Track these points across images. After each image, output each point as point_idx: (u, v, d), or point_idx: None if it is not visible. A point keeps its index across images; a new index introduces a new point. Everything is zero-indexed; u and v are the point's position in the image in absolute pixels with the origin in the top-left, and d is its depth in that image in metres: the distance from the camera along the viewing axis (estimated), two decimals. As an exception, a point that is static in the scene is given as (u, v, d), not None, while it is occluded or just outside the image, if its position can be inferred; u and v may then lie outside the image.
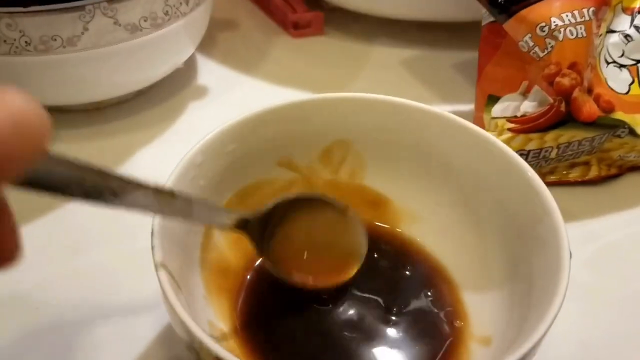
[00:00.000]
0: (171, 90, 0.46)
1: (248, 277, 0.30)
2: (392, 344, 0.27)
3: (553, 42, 0.34)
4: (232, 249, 0.30)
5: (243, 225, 0.27)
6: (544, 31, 0.35)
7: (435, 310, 0.29)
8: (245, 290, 0.29)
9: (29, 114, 0.14)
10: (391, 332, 0.28)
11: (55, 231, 0.34)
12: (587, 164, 0.38)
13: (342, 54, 0.51)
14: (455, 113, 0.43)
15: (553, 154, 0.36)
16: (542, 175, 0.37)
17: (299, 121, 0.30)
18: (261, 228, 0.28)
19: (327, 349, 0.27)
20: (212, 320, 0.26)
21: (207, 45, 0.49)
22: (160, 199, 0.22)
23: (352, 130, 0.31)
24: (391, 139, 0.31)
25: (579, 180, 0.38)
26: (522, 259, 0.27)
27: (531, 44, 0.35)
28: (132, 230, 0.30)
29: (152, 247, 0.23)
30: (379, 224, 0.32)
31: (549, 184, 0.37)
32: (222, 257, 0.29)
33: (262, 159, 0.30)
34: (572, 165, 0.38)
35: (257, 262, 0.30)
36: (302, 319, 0.29)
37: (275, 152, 0.31)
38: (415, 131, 0.30)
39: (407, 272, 0.30)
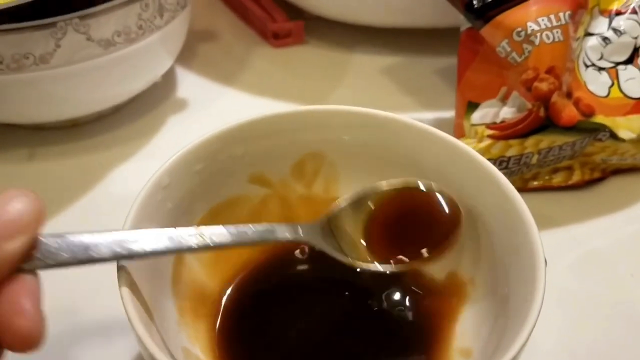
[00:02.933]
0: (150, 104, 0.45)
1: (224, 298, 0.29)
2: (375, 350, 0.27)
3: (530, 47, 0.34)
4: (207, 271, 0.29)
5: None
6: (521, 36, 0.34)
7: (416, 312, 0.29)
8: (223, 312, 0.28)
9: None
10: (372, 341, 0.28)
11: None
12: (569, 168, 0.38)
13: (323, 63, 0.51)
14: (436, 120, 0.43)
15: (534, 160, 0.35)
16: (525, 182, 0.37)
17: (266, 137, 0.29)
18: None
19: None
20: (187, 347, 0.26)
21: (186, 57, 0.49)
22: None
23: (324, 143, 0.31)
24: (364, 150, 0.31)
25: (563, 185, 0.38)
26: (498, 270, 0.26)
27: (508, 49, 0.35)
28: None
29: (118, 277, 0.22)
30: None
31: (532, 190, 0.37)
32: (196, 280, 0.29)
33: (233, 176, 0.30)
34: (555, 171, 0.37)
35: (234, 283, 0.30)
36: (282, 340, 0.28)
37: (245, 168, 0.30)
38: (387, 142, 0.30)
39: (388, 283, 0.30)
